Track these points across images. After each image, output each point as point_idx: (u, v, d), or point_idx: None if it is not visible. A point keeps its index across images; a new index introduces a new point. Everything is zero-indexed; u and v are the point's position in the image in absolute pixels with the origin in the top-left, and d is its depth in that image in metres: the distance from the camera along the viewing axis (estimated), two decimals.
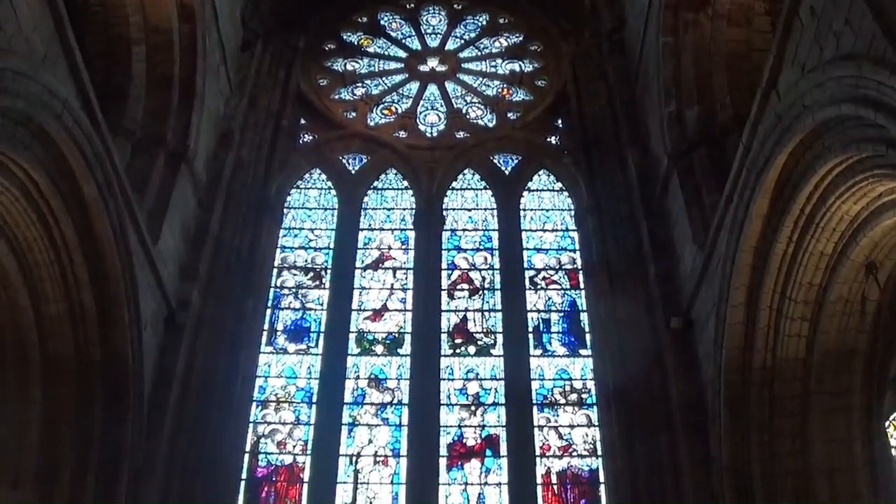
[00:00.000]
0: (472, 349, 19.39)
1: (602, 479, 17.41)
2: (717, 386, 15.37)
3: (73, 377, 15.00)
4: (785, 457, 14.50)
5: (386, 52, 26.61)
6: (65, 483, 14.75)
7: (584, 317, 19.66)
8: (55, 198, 13.67)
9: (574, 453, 17.80)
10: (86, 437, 15.05)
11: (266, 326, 19.45)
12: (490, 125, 24.15)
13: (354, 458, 17.75)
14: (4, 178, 12.76)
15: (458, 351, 19.34)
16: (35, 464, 14.52)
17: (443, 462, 17.68)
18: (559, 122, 23.68)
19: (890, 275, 13.28)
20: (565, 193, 22.02)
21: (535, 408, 18.35)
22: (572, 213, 21.54)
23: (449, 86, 25.36)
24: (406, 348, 19.31)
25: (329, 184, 22.42)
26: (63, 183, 13.72)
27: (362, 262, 20.82)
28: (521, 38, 26.70)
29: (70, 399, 15.01)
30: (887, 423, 12.61)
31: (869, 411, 14.12)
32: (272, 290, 20.09)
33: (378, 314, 19.91)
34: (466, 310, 20.00)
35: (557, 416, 18.31)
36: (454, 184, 22.48)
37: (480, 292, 20.28)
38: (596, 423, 18.08)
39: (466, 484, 17.50)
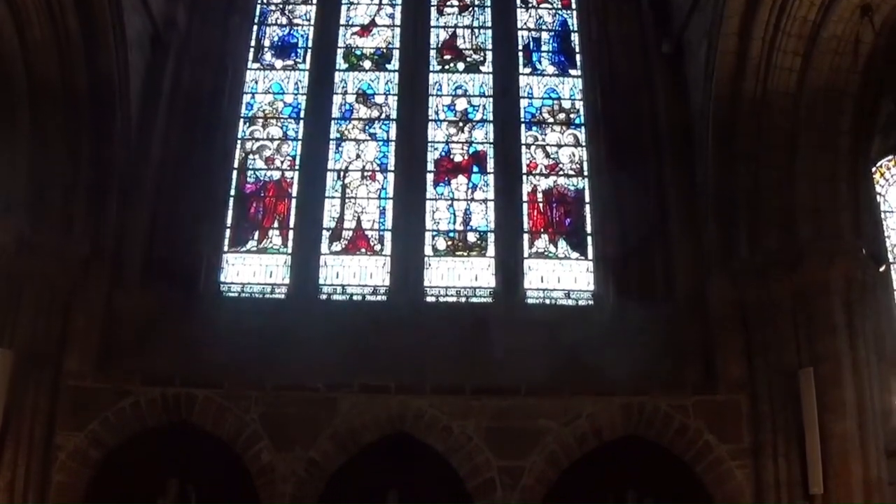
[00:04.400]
0: (460, 66, 19.20)
1: (588, 199, 17.66)
2: (706, 113, 15.42)
3: (60, 101, 15.08)
4: (770, 190, 14.72)
5: None
6: (55, 206, 15.08)
7: (574, 37, 19.37)
8: None
9: (560, 172, 17.97)
10: (75, 161, 15.28)
11: (253, 43, 19.11)
12: None
13: (342, 173, 17.90)
14: None
15: (446, 67, 19.17)
16: (26, 189, 14.76)
17: (430, 177, 17.86)
18: None
19: (886, 19, 13.14)
20: None
21: (522, 126, 18.39)
22: None
23: None
24: (394, 64, 19.11)
25: None
26: None
27: None
28: None
29: (58, 124, 15.10)
30: (874, 169, 12.63)
31: (856, 154, 14.25)
32: (258, 5, 19.56)
33: (366, 29, 19.55)
34: (456, 26, 19.64)
35: (545, 134, 18.37)
36: None
37: (470, 9, 19.84)
38: (583, 144, 18.17)
39: (453, 200, 17.75)
